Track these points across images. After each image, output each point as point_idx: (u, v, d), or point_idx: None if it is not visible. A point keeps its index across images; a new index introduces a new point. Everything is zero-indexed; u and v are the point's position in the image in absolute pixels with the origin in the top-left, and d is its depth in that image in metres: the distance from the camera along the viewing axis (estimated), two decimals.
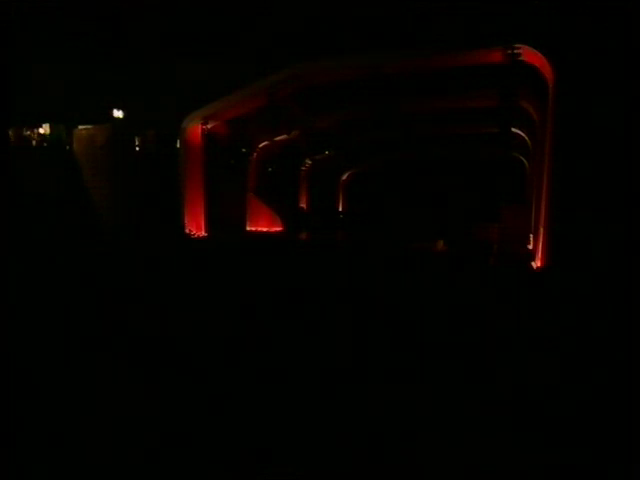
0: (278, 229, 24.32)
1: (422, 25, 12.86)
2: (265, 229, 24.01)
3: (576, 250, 10.65)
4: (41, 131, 19.03)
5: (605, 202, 10.64)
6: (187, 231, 18.80)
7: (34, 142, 18.82)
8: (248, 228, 23.73)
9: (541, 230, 12.55)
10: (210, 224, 19.92)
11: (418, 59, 14.47)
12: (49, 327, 7.10)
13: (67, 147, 18.87)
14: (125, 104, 18.64)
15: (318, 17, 14.08)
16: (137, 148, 19.32)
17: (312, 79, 16.55)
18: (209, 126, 19.17)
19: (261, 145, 23.19)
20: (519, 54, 12.22)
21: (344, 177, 31.83)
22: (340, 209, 31.57)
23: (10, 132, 18.47)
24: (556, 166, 11.59)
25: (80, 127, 18.88)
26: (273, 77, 15.88)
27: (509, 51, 12.22)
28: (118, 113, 18.66)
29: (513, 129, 18.48)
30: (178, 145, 19.01)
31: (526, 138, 19.94)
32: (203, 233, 19.61)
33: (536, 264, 12.64)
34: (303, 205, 28.51)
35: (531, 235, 16.52)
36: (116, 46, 17.15)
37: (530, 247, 16.00)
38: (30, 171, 16.75)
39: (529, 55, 12.24)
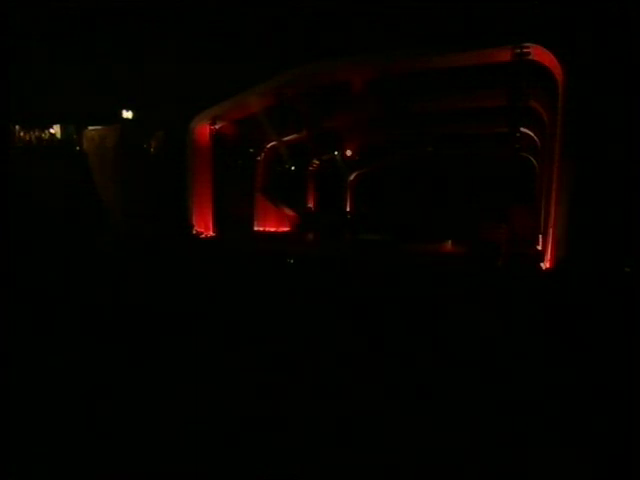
0: (286, 229, 24.36)
1: (431, 24, 12.81)
2: (273, 229, 24.06)
3: (586, 251, 10.57)
4: (52, 132, 19.25)
5: (617, 203, 10.54)
6: (195, 231, 18.88)
7: (44, 143, 19.04)
8: (256, 228, 23.79)
9: (550, 231, 12.45)
10: (218, 224, 20.00)
11: (426, 58, 14.39)
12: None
13: (77, 148, 19.06)
14: (134, 105, 18.76)
15: (327, 16, 14.07)
16: (146, 148, 19.44)
17: (320, 79, 16.57)
18: (217, 126, 19.25)
19: (269, 145, 23.23)
20: (528, 53, 12.14)
21: (352, 177, 31.76)
22: (348, 209, 31.51)
23: (21, 133, 18.70)
24: (566, 166, 11.52)
25: (90, 128, 19.07)
26: (281, 77, 15.91)
27: (518, 50, 12.14)
28: (127, 114, 18.79)
29: (522, 129, 18.33)
30: (187, 145, 19.10)
31: (535, 138, 19.78)
32: (211, 233, 19.70)
33: (545, 265, 12.55)
34: (311, 205, 28.52)
35: (540, 236, 16.39)
36: (125, 46, 17.27)
37: (539, 248, 15.88)
38: (40, 171, 16.93)
39: (539, 54, 12.15)
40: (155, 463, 3.73)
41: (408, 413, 4.62)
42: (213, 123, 19.05)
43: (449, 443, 4.08)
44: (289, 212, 25.01)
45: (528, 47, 12.10)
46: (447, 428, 4.34)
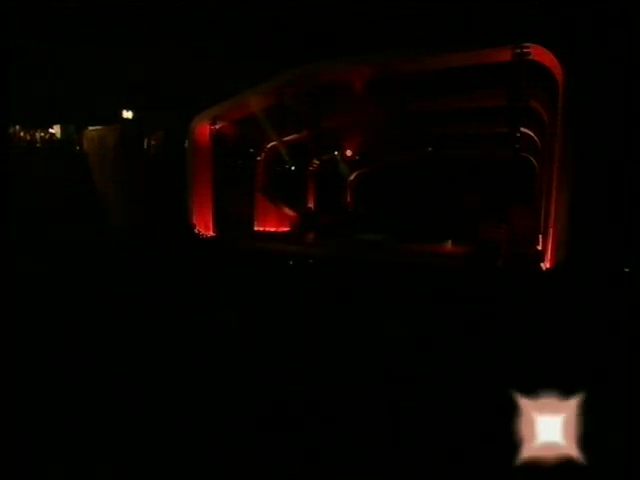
0: (286, 229, 24.35)
1: (431, 24, 12.81)
2: (273, 229, 24.04)
3: (586, 251, 10.58)
4: (52, 132, 19.28)
5: (617, 203, 10.55)
6: (196, 231, 18.87)
7: (45, 143, 19.07)
8: (256, 228, 23.78)
9: (550, 231, 12.45)
10: (218, 224, 20.00)
11: (426, 58, 14.38)
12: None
13: (77, 148, 19.10)
14: (134, 105, 18.79)
15: (327, 16, 14.08)
16: (146, 148, 19.46)
17: (320, 79, 16.56)
18: (217, 126, 19.25)
19: (269, 145, 23.23)
20: (528, 53, 12.14)
21: (352, 177, 31.76)
22: (348, 209, 31.49)
23: (21, 133, 18.73)
24: (566, 166, 11.53)
25: (90, 128, 19.10)
26: (281, 77, 15.91)
27: (518, 50, 12.14)
28: (127, 114, 18.81)
29: (522, 129, 18.31)
30: (187, 145, 19.11)
31: (535, 138, 19.77)
32: (211, 233, 19.69)
33: (545, 265, 12.55)
34: (311, 205, 28.52)
35: (540, 236, 16.39)
36: (125, 47, 17.28)
37: (539, 248, 15.88)
38: (40, 171, 16.94)
39: (539, 54, 12.15)
40: None
41: None
42: (213, 123, 19.05)
43: None
44: (289, 212, 25.01)
45: (528, 47, 12.11)
46: None
